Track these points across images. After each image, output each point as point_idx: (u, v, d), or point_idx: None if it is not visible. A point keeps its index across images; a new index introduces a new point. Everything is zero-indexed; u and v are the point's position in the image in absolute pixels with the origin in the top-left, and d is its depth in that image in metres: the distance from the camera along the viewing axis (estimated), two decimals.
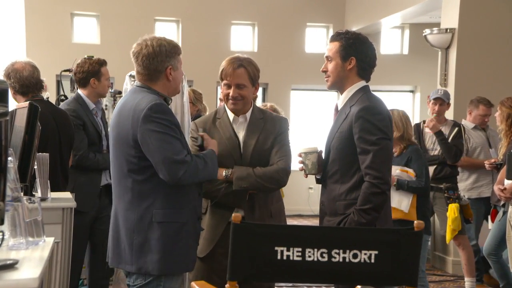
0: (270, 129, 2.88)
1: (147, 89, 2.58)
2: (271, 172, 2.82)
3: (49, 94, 4.94)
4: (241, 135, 2.88)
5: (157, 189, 2.51)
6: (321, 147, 2.91)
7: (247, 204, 2.84)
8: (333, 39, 2.77)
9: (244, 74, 2.83)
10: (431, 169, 5.13)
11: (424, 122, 5.27)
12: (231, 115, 2.90)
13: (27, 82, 3.61)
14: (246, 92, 2.85)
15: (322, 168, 2.82)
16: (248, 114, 2.91)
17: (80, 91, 4.05)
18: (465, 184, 5.46)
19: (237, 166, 2.83)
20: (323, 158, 2.84)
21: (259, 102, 9.82)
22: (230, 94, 2.84)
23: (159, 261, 2.50)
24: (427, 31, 6.37)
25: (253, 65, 2.88)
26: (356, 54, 2.71)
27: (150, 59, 2.56)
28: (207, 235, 2.84)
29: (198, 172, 2.52)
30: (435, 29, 6.30)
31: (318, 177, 2.88)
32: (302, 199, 9.53)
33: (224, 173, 2.81)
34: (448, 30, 6.22)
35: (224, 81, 2.86)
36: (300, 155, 2.83)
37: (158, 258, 2.50)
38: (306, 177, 2.95)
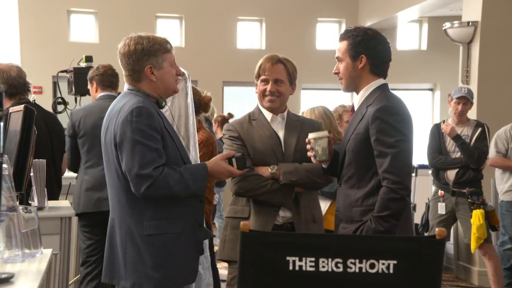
0: (309, 130, 2.96)
1: (136, 92, 2.59)
2: (319, 167, 2.90)
3: (35, 97, 4.97)
4: (280, 133, 2.99)
5: (148, 200, 2.49)
6: None
7: (293, 205, 2.91)
8: (341, 38, 2.78)
9: (282, 70, 2.97)
10: (453, 172, 5.11)
11: (444, 122, 5.24)
12: (268, 115, 3.00)
13: (15, 82, 3.62)
14: (284, 89, 2.98)
15: (338, 169, 2.81)
16: (285, 114, 3.02)
17: (113, 94, 4.21)
18: (505, 186, 5.37)
19: (281, 163, 2.91)
20: (339, 161, 2.83)
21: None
22: (268, 89, 2.95)
23: (153, 276, 2.50)
24: (447, 24, 6.34)
25: (292, 63, 3.02)
26: (366, 51, 2.70)
27: (126, 58, 2.59)
28: None
29: (169, 187, 2.46)
30: (456, 23, 6.28)
31: (324, 166, 2.87)
32: None
33: (269, 170, 2.90)
34: (470, 24, 6.20)
35: (262, 77, 2.97)
36: (309, 141, 2.80)
37: (152, 273, 2.50)
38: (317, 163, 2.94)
